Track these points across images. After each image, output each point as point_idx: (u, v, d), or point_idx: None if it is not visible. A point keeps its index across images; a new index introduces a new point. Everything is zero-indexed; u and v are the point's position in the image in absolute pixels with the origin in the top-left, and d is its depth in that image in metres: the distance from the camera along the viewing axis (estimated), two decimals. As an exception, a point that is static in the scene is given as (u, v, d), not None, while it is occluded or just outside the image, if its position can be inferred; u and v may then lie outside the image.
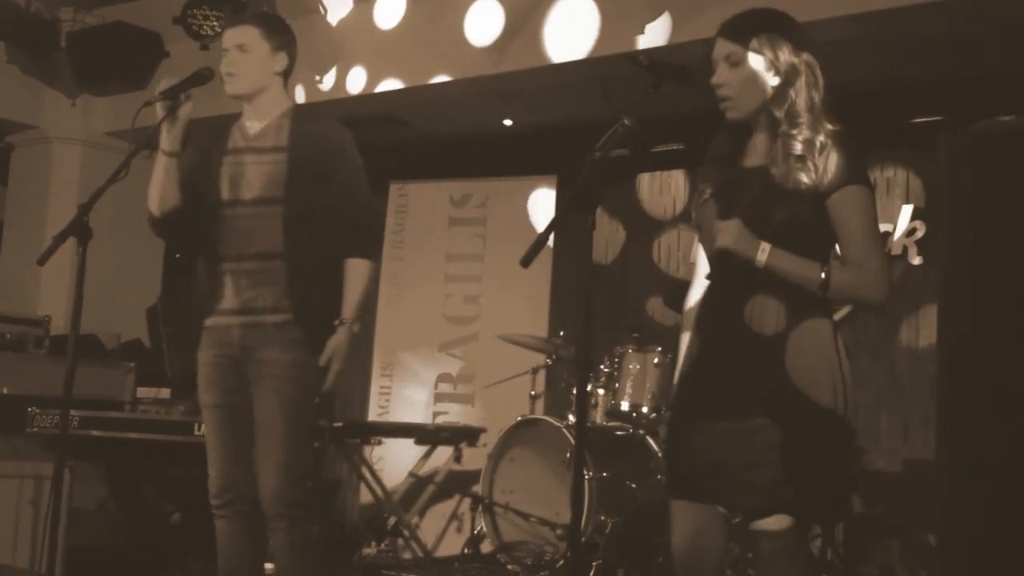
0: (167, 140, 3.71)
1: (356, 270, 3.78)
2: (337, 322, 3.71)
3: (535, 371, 6.16)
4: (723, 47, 2.84)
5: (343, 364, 3.71)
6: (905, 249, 6.07)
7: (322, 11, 6.65)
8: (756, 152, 2.86)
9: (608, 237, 7.32)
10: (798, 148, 2.72)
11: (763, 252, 2.68)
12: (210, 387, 3.78)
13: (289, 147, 3.77)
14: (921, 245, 6.04)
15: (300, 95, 6.61)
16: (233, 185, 3.79)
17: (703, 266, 2.95)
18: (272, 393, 3.66)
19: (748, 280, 2.75)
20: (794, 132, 2.74)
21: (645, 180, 7.27)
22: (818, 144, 2.71)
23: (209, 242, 3.80)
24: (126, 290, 7.23)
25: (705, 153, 2.98)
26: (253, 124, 3.85)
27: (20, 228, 7.74)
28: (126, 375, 6.11)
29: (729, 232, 2.72)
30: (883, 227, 6.05)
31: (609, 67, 5.68)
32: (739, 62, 2.80)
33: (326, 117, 3.94)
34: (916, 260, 6.05)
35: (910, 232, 6.09)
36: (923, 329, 6.01)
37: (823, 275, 2.67)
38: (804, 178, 2.70)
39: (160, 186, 3.75)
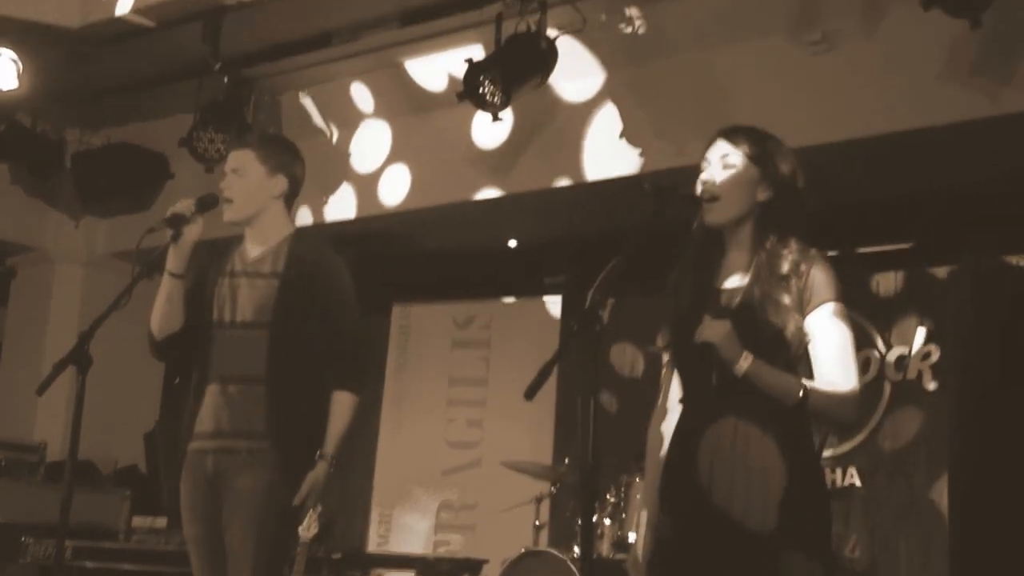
0: (173, 261, 3.65)
1: (341, 403, 3.68)
2: (318, 455, 3.62)
3: (539, 500, 6.01)
4: (720, 147, 2.80)
5: (318, 500, 3.62)
6: (920, 373, 5.97)
7: (328, 133, 6.69)
8: (731, 271, 2.81)
9: (615, 361, 7.22)
10: (784, 267, 2.69)
11: (745, 359, 2.62)
12: (188, 517, 3.69)
13: (283, 273, 3.71)
14: (936, 369, 5.94)
15: (306, 215, 6.61)
16: (225, 307, 3.73)
17: (675, 391, 2.87)
18: (242, 522, 3.55)
19: (724, 402, 2.68)
20: (783, 252, 2.71)
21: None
22: (802, 265, 2.69)
23: (198, 364, 3.74)
24: (124, 415, 7.13)
25: (676, 267, 2.91)
26: (253, 248, 3.80)
27: (19, 351, 7.68)
28: (121, 502, 5.99)
29: (716, 329, 2.66)
30: (897, 350, 6.03)
31: (614, 189, 5.68)
32: (733, 165, 2.77)
33: (322, 244, 3.88)
34: (931, 385, 5.93)
35: (924, 356, 5.99)
36: (937, 458, 5.88)
37: (801, 392, 2.61)
38: (785, 299, 2.67)
39: (164, 308, 3.69)
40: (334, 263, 3.80)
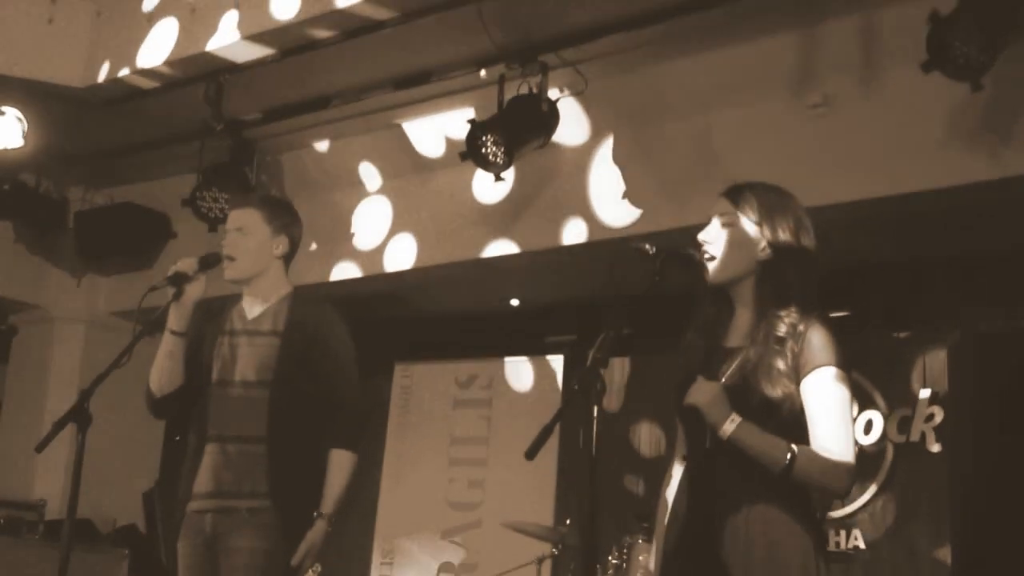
0: (175, 319, 3.66)
1: (339, 462, 3.69)
2: (316, 514, 3.62)
3: (540, 561, 5.96)
4: (721, 206, 2.79)
5: (316, 560, 3.62)
6: (923, 435, 5.94)
7: (328, 194, 6.71)
8: (738, 331, 2.77)
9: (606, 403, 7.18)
10: (781, 330, 2.65)
11: (732, 422, 2.58)
12: None
13: (283, 333, 3.72)
14: (939, 431, 5.91)
15: (307, 275, 6.61)
16: (225, 366, 3.74)
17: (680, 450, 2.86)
18: None
19: (717, 463, 2.65)
20: (781, 314, 2.67)
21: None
22: (800, 328, 2.65)
23: (196, 422, 3.74)
24: (123, 474, 7.10)
25: (689, 322, 2.89)
26: (253, 308, 3.82)
27: (19, 408, 7.65)
28: (120, 563, 5.96)
29: (704, 391, 2.63)
30: (900, 412, 5.99)
31: (615, 248, 5.69)
32: (732, 224, 2.75)
33: (322, 304, 3.90)
34: (934, 447, 5.90)
35: (928, 417, 5.95)
36: (941, 521, 5.83)
37: (788, 457, 2.55)
38: (780, 364, 2.62)
39: (164, 366, 3.70)
40: (334, 323, 3.81)
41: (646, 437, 6.80)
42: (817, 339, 2.64)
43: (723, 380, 2.68)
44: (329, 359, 3.73)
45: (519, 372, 7.30)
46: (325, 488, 3.65)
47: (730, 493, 2.65)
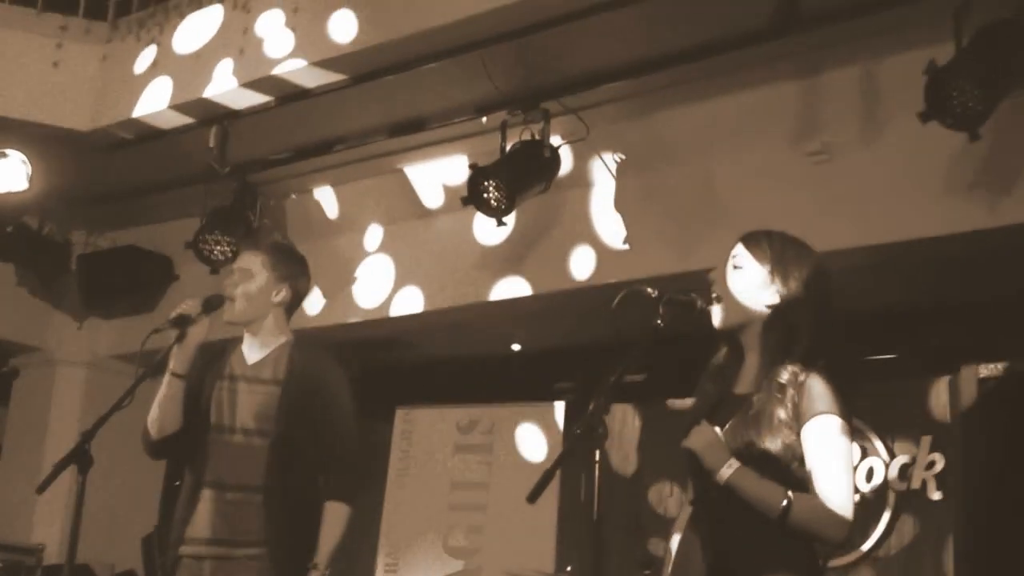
0: (177, 361, 3.65)
1: (334, 514, 3.69)
2: (311, 565, 3.61)
3: (541, 608, 5.92)
4: (735, 249, 2.81)
5: None
6: (924, 483, 5.91)
7: (330, 237, 6.72)
8: (747, 377, 2.77)
9: (620, 463, 7.14)
10: (783, 378, 2.65)
11: (729, 467, 2.59)
12: None
13: (283, 382, 3.73)
14: (940, 480, 5.88)
15: (308, 318, 6.61)
16: (224, 412, 3.73)
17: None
18: None
19: (718, 508, 2.65)
20: (785, 361, 2.67)
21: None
22: (801, 377, 2.64)
23: (193, 467, 3.72)
24: (122, 518, 7.06)
25: (706, 366, 2.90)
26: (252, 353, 3.81)
27: (18, 452, 7.62)
28: (117, 608, 5.89)
29: (701, 436, 2.64)
30: (901, 459, 5.97)
31: (618, 294, 5.67)
32: (740, 267, 2.77)
33: (322, 353, 3.89)
34: (935, 495, 5.86)
35: (928, 465, 5.93)
36: (942, 569, 5.79)
37: (784, 503, 2.55)
38: (781, 413, 2.62)
39: (164, 408, 3.68)
40: (334, 374, 3.82)
41: (655, 495, 6.75)
42: (817, 388, 2.63)
43: (725, 426, 2.68)
44: (328, 411, 3.74)
45: (521, 418, 7.27)
46: (320, 540, 3.64)
47: (733, 540, 2.65)
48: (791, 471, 2.62)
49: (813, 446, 2.60)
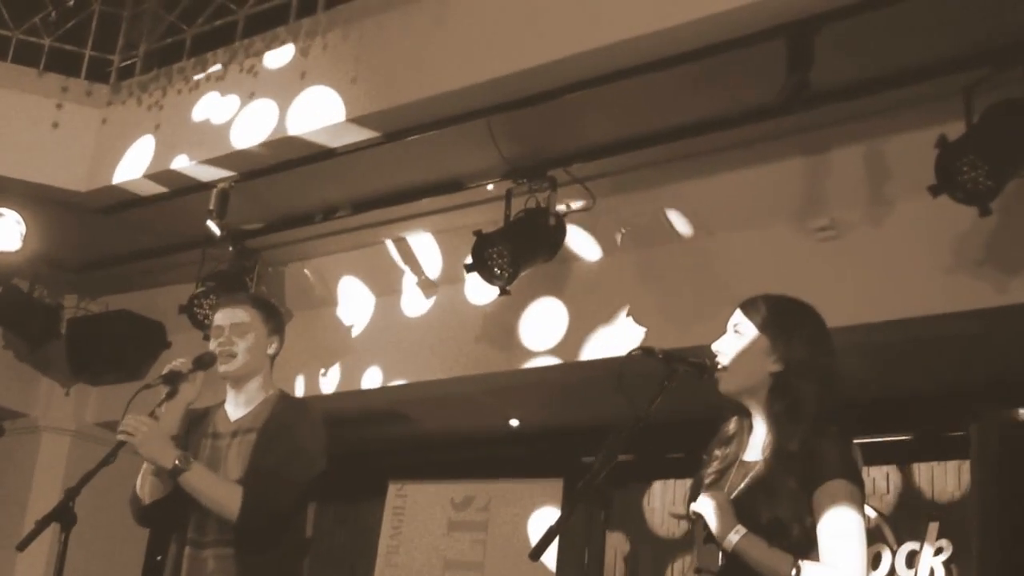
0: (168, 421, 3.58)
1: (230, 486, 3.54)
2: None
3: None
4: (735, 316, 2.79)
5: None
6: (932, 570, 5.79)
7: (328, 306, 6.66)
8: (755, 444, 2.73)
9: (616, 548, 7.00)
10: (793, 446, 2.60)
11: (736, 534, 2.55)
12: None
13: (260, 429, 3.65)
14: (948, 565, 5.76)
15: (300, 388, 6.54)
16: (212, 470, 3.63)
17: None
18: None
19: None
20: (794, 428, 2.62)
21: (656, 490, 6.92)
22: (812, 443, 2.59)
23: (178, 528, 3.64)
24: (103, 582, 6.92)
25: (714, 437, 2.87)
26: (236, 411, 3.75)
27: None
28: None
29: (711, 501, 2.60)
30: (909, 545, 5.86)
31: (621, 365, 5.61)
32: (742, 333, 2.74)
33: (304, 404, 3.89)
34: (943, 582, 5.76)
35: (937, 551, 5.82)
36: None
37: (793, 573, 2.49)
38: (790, 482, 2.58)
39: (155, 471, 3.58)
40: (305, 419, 3.71)
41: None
42: (831, 451, 2.59)
43: (733, 493, 2.65)
44: (289, 440, 3.61)
45: (517, 495, 7.13)
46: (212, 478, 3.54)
47: None
48: (802, 540, 2.56)
49: (823, 512, 2.55)
